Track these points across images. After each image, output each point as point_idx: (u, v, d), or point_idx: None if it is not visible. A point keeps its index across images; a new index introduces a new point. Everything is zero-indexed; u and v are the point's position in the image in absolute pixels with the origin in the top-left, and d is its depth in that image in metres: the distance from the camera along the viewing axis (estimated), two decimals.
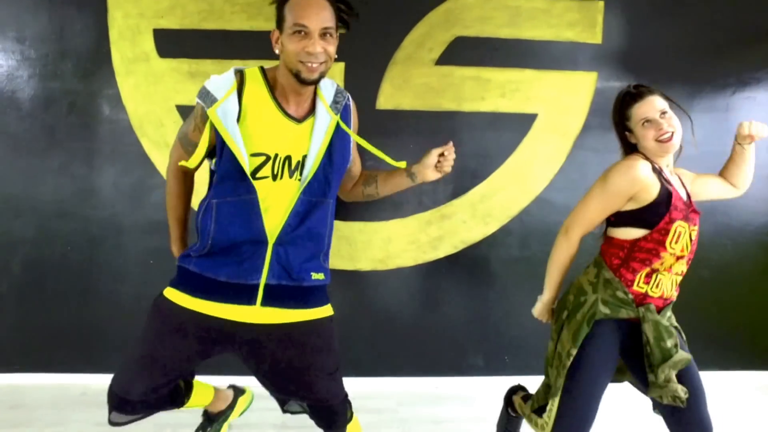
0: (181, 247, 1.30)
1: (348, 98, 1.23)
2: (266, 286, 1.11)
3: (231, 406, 1.63)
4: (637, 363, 1.28)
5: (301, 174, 1.10)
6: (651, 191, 1.28)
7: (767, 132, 1.42)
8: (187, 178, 1.26)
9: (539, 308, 1.51)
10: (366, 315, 2.33)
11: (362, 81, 2.27)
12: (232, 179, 1.09)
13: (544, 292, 1.48)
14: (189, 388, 1.36)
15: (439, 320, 2.37)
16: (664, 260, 1.27)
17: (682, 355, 1.25)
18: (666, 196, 1.28)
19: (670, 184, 1.33)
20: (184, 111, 2.26)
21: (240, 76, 1.14)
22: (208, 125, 1.10)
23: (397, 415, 2.03)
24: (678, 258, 1.29)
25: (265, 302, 1.12)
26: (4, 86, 2.23)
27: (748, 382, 2.42)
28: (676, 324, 1.38)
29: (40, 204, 2.23)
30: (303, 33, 1.07)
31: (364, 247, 2.29)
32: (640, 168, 1.28)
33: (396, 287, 2.34)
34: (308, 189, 1.11)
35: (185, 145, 1.19)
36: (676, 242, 1.27)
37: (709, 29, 2.39)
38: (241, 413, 1.70)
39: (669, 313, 1.36)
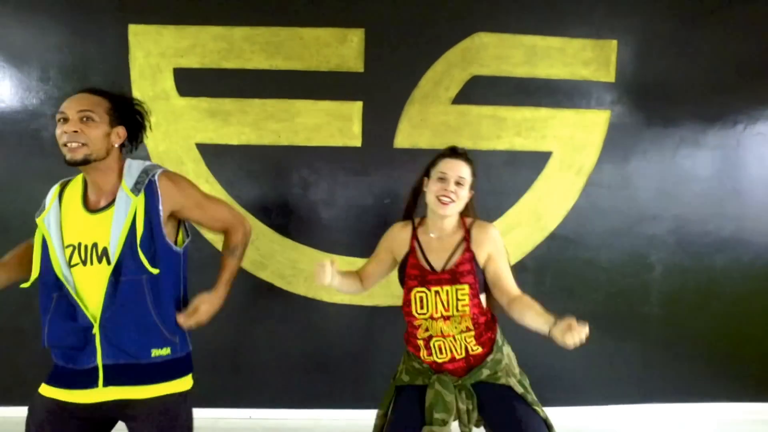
0: None
1: (154, 175, 1.26)
2: (104, 366, 1.19)
3: None
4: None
5: (109, 258, 1.19)
6: (400, 254, 1.38)
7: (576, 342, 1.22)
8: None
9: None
10: (383, 349, 2.35)
11: (380, 120, 2.30)
12: (51, 277, 1.20)
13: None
14: None
15: None
16: (426, 326, 1.31)
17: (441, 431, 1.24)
18: (403, 263, 1.36)
19: (397, 238, 1.39)
20: (204, 149, 2.29)
21: (62, 186, 1.31)
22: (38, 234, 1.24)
23: None
24: (445, 319, 1.30)
25: (107, 383, 1.20)
26: (28, 125, 2.26)
27: (759, 413, 2.45)
28: (504, 381, 1.33)
29: None
30: (62, 120, 1.22)
31: (383, 284, 2.31)
32: (397, 227, 1.42)
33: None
34: (119, 270, 1.18)
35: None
36: (422, 308, 1.31)
37: (720, 66, 2.43)
38: None
39: (485, 371, 1.33)
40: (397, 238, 1.42)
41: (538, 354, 2.36)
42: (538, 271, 2.41)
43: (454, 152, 1.43)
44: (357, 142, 2.30)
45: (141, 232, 1.19)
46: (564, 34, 2.36)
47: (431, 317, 1.32)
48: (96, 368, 1.19)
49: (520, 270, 2.40)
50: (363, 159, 2.30)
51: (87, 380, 1.20)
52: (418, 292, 1.33)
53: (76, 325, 1.19)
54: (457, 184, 1.37)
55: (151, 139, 2.26)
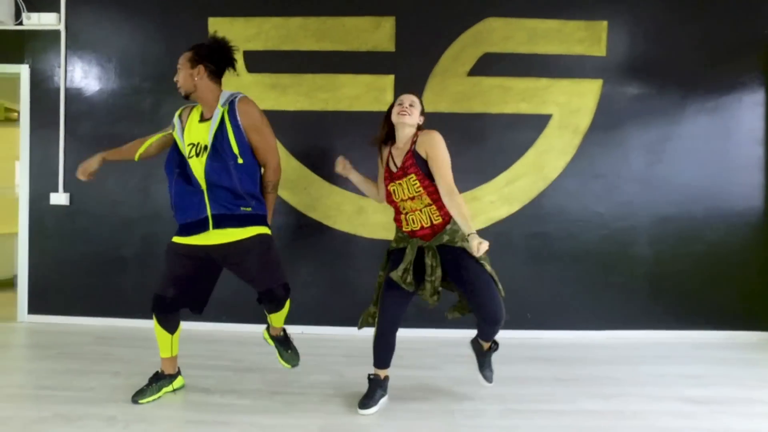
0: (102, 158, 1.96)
1: (236, 97, 1.83)
2: (212, 216, 1.78)
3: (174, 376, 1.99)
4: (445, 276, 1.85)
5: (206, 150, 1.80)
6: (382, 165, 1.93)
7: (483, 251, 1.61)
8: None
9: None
10: None
11: (408, 90, 2.78)
12: (176, 158, 1.86)
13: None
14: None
15: None
16: (402, 206, 1.84)
17: (395, 273, 1.77)
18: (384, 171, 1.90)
19: (382, 155, 1.92)
20: (267, 115, 2.78)
21: (181, 111, 1.96)
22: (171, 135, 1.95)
23: (438, 351, 2.53)
24: (411, 199, 1.81)
25: (215, 226, 1.79)
26: (131, 99, 2.88)
27: (732, 339, 2.81)
28: (460, 244, 1.76)
29: (155, 198, 2.86)
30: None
31: None
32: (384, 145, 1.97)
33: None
34: (210, 158, 1.76)
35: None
36: (396, 195, 1.84)
37: (700, 43, 2.84)
38: (175, 390, 1.98)
39: (445, 237, 1.79)
40: (382, 154, 1.96)
41: (536, 284, 2.81)
42: (540, 214, 2.86)
43: (407, 91, 1.99)
44: None
45: (228, 132, 1.76)
46: (561, 17, 2.83)
47: (402, 200, 1.85)
48: (206, 218, 1.78)
49: (525, 214, 2.86)
50: None
51: (202, 227, 1.79)
52: (392, 185, 1.86)
53: (191, 188, 1.80)
54: (410, 105, 1.87)
55: None
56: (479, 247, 1.57)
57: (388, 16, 2.83)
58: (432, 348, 2.60)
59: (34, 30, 2.91)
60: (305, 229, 2.86)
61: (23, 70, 2.90)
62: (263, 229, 1.84)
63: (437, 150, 1.77)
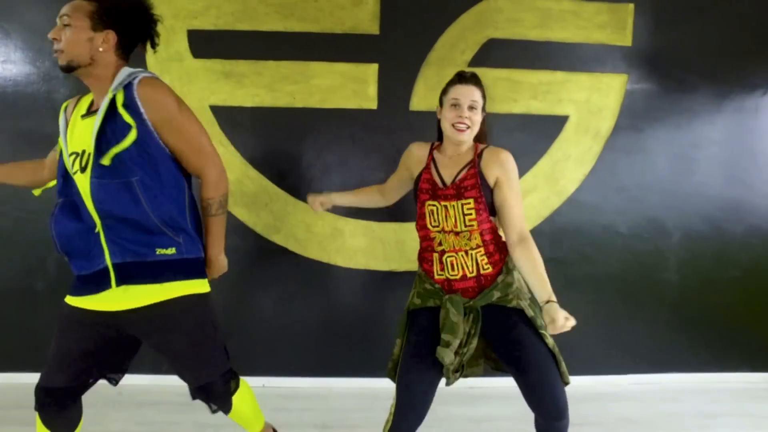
0: None
1: (136, 77, 1.19)
2: (114, 265, 1.19)
3: None
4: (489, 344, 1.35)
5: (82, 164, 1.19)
6: (416, 172, 1.43)
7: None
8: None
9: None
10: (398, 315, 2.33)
11: (396, 82, 2.28)
12: (59, 183, 1.25)
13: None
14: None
15: None
16: (439, 239, 1.33)
17: (444, 352, 1.23)
18: (417, 179, 1.40)
19: (415, 155, 1.45)
20: (218, 111, 2.27)
21: (73, 101, 1.32)
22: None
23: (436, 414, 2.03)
24: (456, 233, 1.31)
25: (119, 282, 1.19)
26: (40, 87, 2.23)
27: None
28: (516, 305, 1.31)
29: None
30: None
31: (399, 247, 2.29)
32: (416, 146, 1.50)
33: None
34: (97, 173, 1.16)
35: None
36: (434, 220, 1.34)
37: (738, 31, 2.41)
38: None
39: (495, 293, 1.31)
40: (415, 155, 1.46)
41: None
42: (555, 236, 2.38)
43: (462, 77, 1.42)
44: (373, 105, 2.28)
45: (105, 131, 1.15)
46: None
47: (443, 230, 1.33)
48: (107, 269, 1.19)
49: (536, 234, 2.35)
50: (379, 121, 2.28)
51: (101, 281, 1.19)
52: (430, 205, 1.35)
53: (81, 225, 1.19)
54: (470, 108, 1.37)
55: None
56: (565, 324, 1.12)
57: None
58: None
59: None
60: (266, 256, 2.29)
61: None
62: (193, 286, 1.24)
63: (513, 180, 1.35)
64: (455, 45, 2.31)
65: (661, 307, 2.45)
